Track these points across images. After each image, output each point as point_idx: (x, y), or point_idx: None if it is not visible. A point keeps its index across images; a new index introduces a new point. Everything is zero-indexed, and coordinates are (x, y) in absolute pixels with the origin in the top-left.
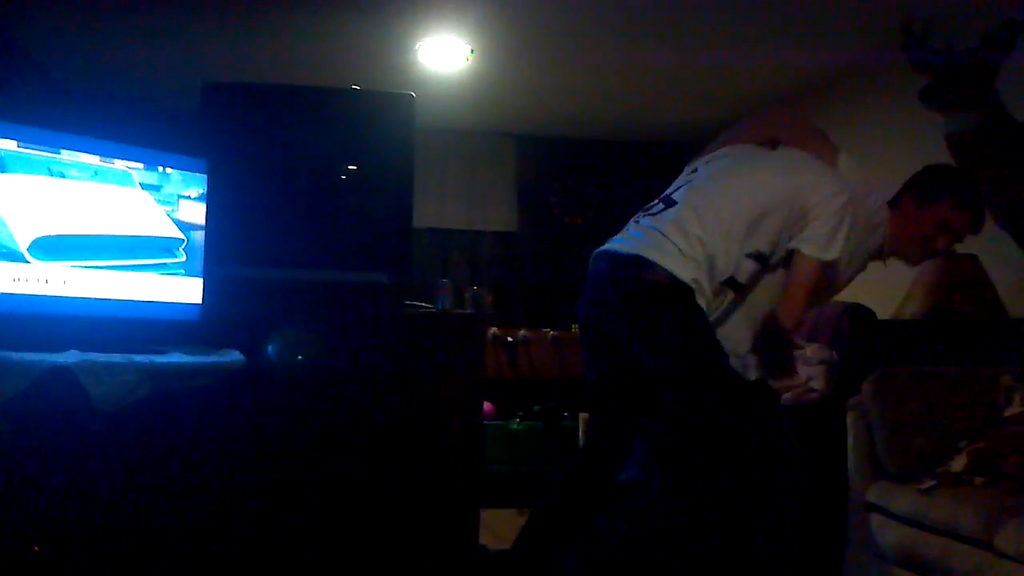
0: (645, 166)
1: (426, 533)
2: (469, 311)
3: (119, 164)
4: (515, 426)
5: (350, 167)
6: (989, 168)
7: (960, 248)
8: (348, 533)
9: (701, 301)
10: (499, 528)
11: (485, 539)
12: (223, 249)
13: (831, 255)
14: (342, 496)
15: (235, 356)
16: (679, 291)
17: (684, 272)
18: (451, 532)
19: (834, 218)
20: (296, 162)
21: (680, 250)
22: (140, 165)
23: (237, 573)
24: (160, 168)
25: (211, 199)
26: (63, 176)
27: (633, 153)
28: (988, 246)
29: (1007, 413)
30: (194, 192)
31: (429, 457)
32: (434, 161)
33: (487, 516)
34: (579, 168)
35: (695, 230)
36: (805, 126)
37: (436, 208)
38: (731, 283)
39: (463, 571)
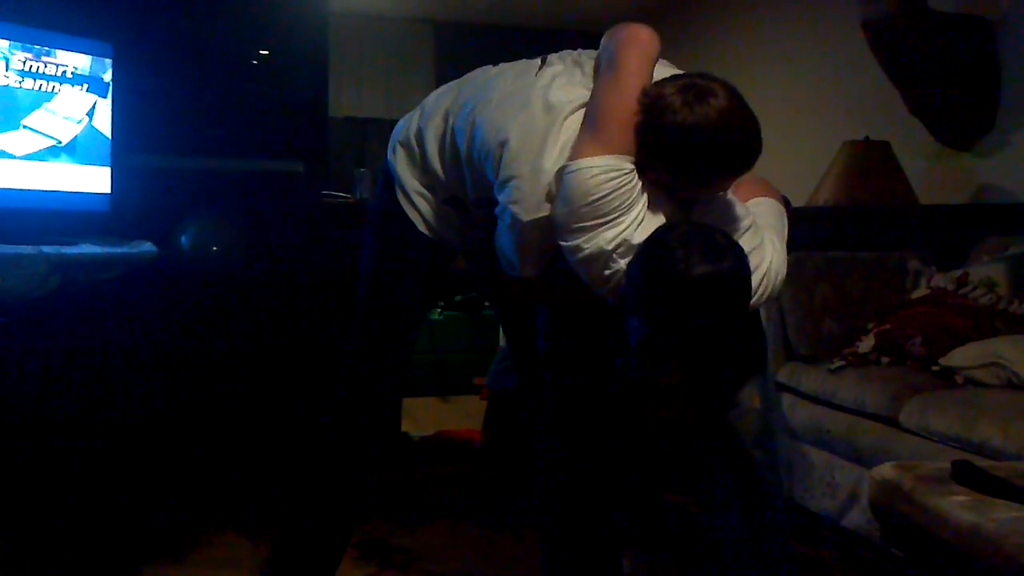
0: None
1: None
2: None
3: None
4: (436, 316)
5: (261, 52)
6: (903, 55)
7: (873, 135)
8: (265, 424)
9: None
10: (420, 415)
11: (407, 426)
12: (132, 138)
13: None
14: (259, 388)
15: (147, 247)
16: None
17: None
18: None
19: None
20: (205, 47)
21: None
22: (39, 48)
23: (149, 462)
24: (65, 52)
25: (117, 85)
26: None
27: (558, 41)
28: (900, 133)
29: (913, 296)
30: (101, 77)
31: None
32: (350, 48)
33: (408, 404)
34: (500, 55)
35: None
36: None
37: (353, 97)
38: None
39: (387, 456)
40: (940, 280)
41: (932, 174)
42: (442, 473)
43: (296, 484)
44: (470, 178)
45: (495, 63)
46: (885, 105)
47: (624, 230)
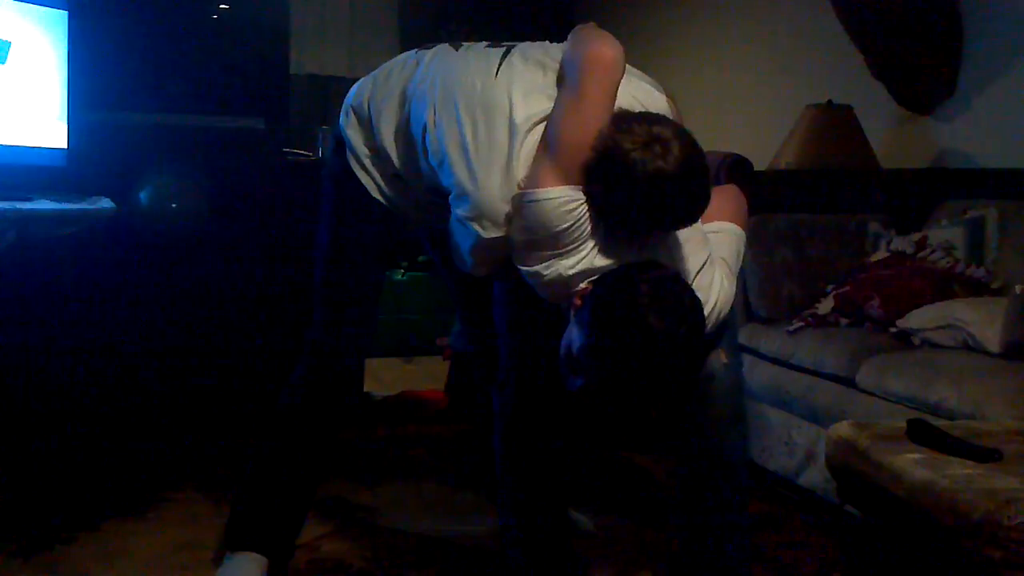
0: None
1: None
2: None
3: None
4: (399, 276)
5: (222, 6)
6: (866, 17)
7: (836, 98)
8: (225, 383)
9: None
10: (383, 375)
11: (369, 386)
12: (90, 92)
13: None
14: (219, 347)
15: (104, 203)
16: None
17: None
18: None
19: None
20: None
21: None
22: None
23: (109, 419)
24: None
25: (74, 38)
26: None
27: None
28: (862, 96)
29: (873, 258)
30: (56, 31)
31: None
32: (313, 4)
33: (371, 364)
34: (469, 8)
35: None
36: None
37: (315, 54)
38: None
39: (349, 416)
40: (899, 243)
41: (894, 138)
42: (404, 433)
43: (259, 444)
44: (426, 168)
45: (464, 14)
46: (848, 68)
47: (584, 256)
